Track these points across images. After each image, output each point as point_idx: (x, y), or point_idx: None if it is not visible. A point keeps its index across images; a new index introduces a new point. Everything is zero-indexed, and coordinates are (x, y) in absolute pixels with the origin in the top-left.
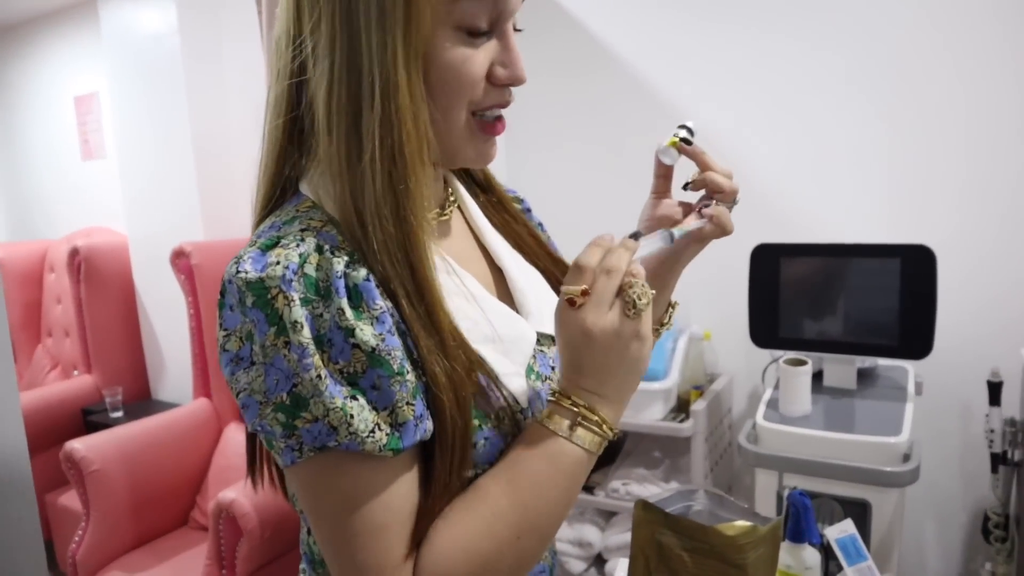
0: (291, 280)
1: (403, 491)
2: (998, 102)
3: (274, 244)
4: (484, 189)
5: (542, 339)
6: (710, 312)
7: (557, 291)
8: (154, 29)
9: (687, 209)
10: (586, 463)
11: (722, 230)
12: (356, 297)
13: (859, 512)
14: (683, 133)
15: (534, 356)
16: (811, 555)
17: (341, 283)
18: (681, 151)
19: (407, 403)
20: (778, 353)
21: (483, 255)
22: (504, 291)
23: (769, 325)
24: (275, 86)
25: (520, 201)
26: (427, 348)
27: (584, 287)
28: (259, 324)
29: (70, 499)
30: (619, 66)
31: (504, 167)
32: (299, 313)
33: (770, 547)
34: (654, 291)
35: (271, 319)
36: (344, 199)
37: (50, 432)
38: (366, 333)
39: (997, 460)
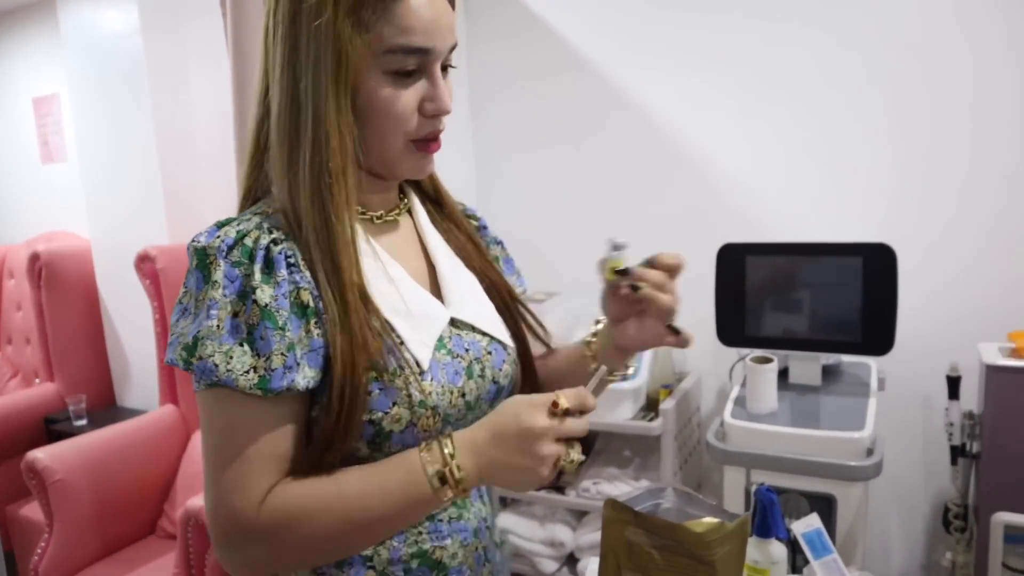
0: (224, 251)
1: (272, 432)
2: (952, 106)
3: (226, 223)
4: (434, 201)
5: (460, 325)
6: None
7: (488, 290)
8: (115, 30)
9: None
10: (428, 501)
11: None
12: (269, 266)
13: (825, 506)
14: (617, 257)
15: (449, 336)
16: (778, 549)
17: (261, 253)
18: (619, 284)
19: (281, 354)
20: (745, 351)
21: (423, 254)
22: (435, 284)
23: (735, 324)
24: (256, 109)
25: (477, 219)
26: (331, 317)
27: (567, 407)
28: (198, 282)
29: (32, 510)
30: (586, 67)
31: (473, 170)
32: (220, 275)
33: (738, 543)
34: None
35: (206, 279)
36: (283, 197)
37: (11, 442)
38: (265, 293)
39: (956, 452)
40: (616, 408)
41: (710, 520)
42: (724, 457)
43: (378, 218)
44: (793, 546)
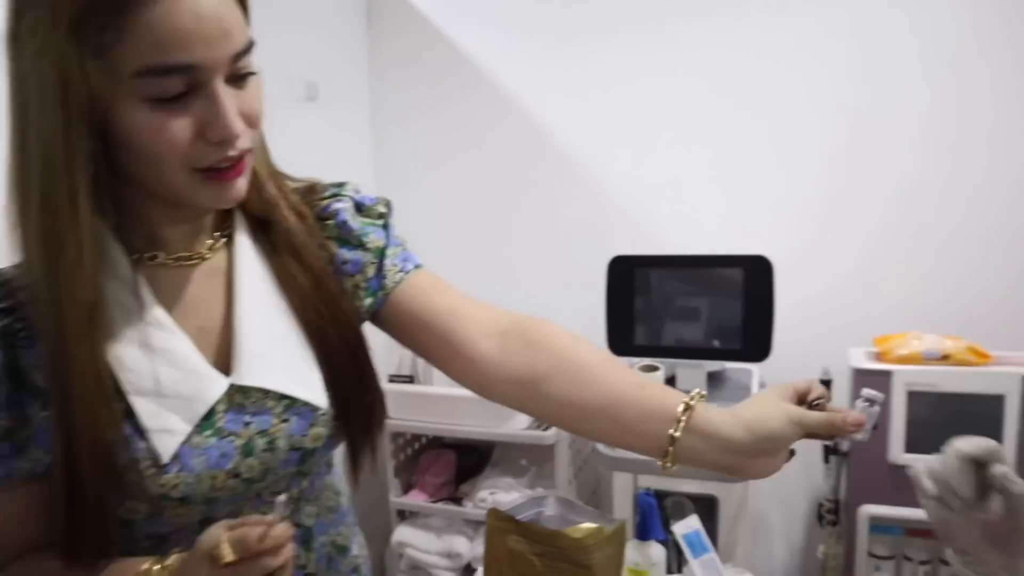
0: None
1: (1, 519)
2: (821, 125)
3: None
4: (264, 227)
5: (252, 393)
6: (572, 322)
7: (315, 334)
8: None
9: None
10: None
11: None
12: None
13: (708, 506)
14: (875, 413)
15: (224, 410)
16: (657, 551)
17: None
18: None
19: None
20: (635, 360)
21: (230, 299)
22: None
23: (625, 334)
24: None
25: (333, 217)
26: (54, 403)
27: (230, 560)
28: None
29: None
30: (487, 84)
31: (374, 186)
32: None
33: (616, 547)
34: None
35: None
36: (17, 250)
37: None
38: None
39: (828, 451)
40: (511, 418)
41: (588, 526)
42: (612, 463)
43: (175, 260)
44: (678, 547)
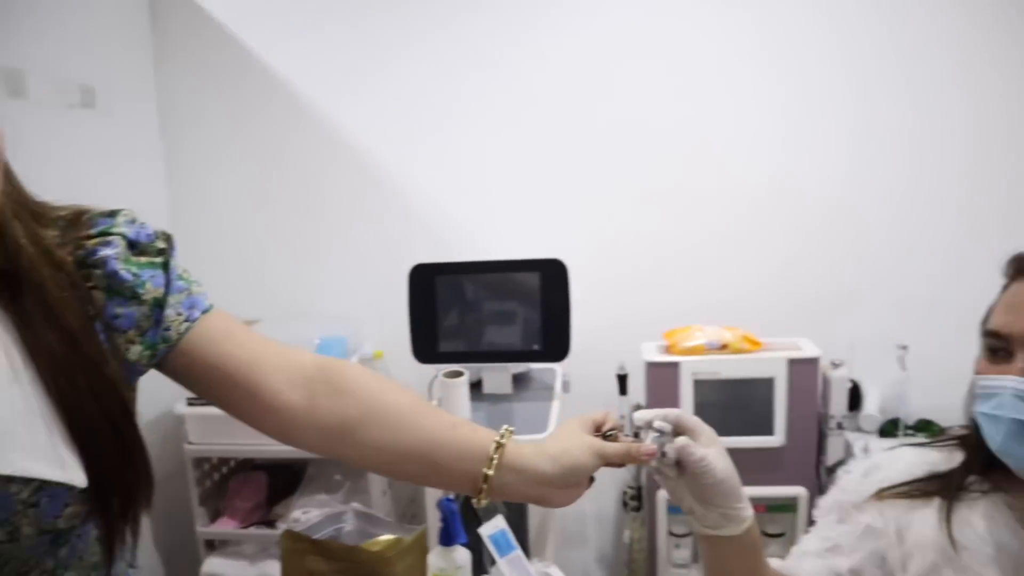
0: None
1: None
2: (609, 134)
3: None
4: (8, 280)
5: None
6: (381, 331)
7: (65, 410)
8: None
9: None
10: None
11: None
12: None
13: (518, 506)
14: (654, 437)
15: None
16: (461, 555)
17: None
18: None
19: None
20: (442, 367)
21: None
22: None
23: (429, 341)
24: None
25: (102, 266)
26: None
27: None
28: None
29: None
30: (281, 88)
31: (165, 195)
32: None
33: (417, 555)
34: None
35: None
36: None
37: None
38: None
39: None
40: None
41: (387, 537)
42: None
43: None
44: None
